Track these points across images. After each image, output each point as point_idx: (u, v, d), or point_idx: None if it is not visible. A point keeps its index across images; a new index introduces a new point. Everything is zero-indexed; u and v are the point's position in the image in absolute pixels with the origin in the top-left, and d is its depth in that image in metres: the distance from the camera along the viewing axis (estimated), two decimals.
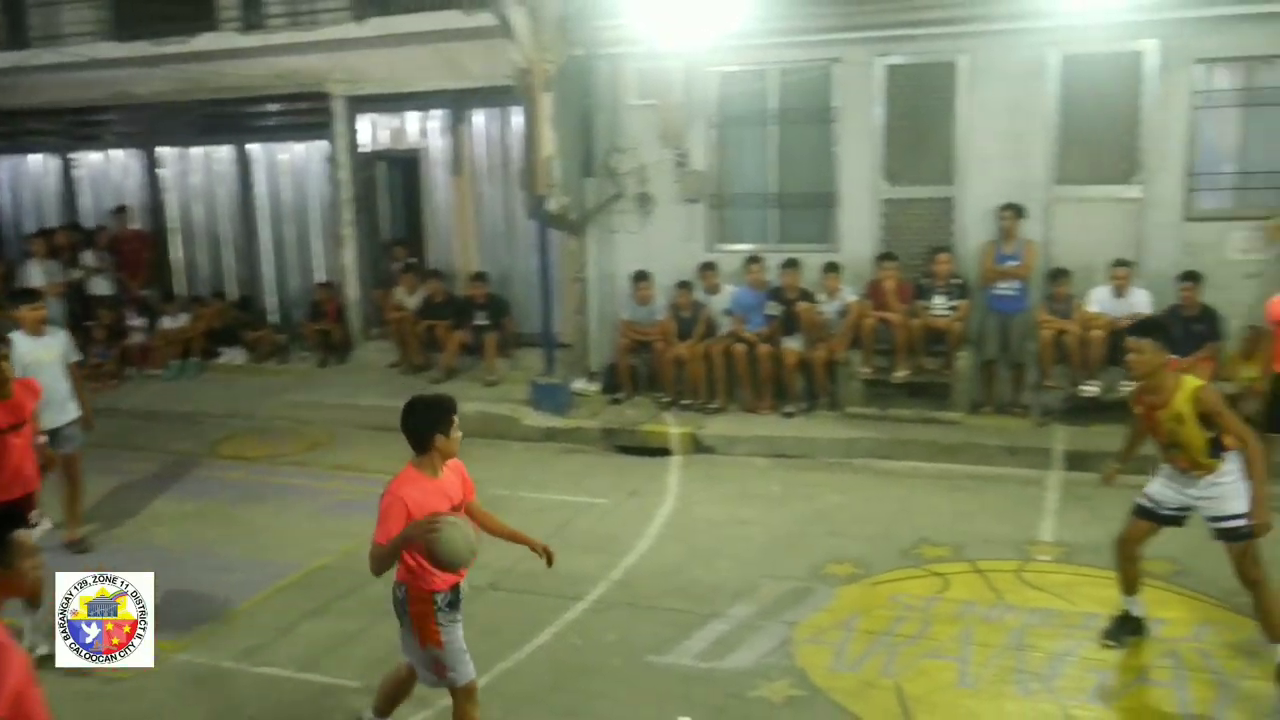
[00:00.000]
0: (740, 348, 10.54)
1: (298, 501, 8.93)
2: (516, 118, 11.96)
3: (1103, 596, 6.34)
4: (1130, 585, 5.87)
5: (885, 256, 10.51)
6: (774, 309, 10.68)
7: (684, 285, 11.02)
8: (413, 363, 12.49)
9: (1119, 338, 9.54)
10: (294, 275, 14.37)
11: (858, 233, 10.90)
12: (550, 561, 4.93)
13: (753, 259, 10.93)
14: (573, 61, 10.89)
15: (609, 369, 11.45)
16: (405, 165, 13.45)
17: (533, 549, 4.91)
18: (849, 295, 10.56)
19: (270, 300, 14.47)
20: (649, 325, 11.12)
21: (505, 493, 8.84)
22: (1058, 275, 10.00)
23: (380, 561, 4.44)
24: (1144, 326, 5.62)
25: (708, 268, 11.12)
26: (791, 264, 10.72)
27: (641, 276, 11.20)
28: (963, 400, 10.13)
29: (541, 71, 10.49)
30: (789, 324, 10.61)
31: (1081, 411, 9.72)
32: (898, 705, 5.38)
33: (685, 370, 10.81)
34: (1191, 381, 5.33)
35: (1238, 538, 5.33)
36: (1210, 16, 9.44)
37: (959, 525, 7.85)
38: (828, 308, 10.59)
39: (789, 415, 10.39)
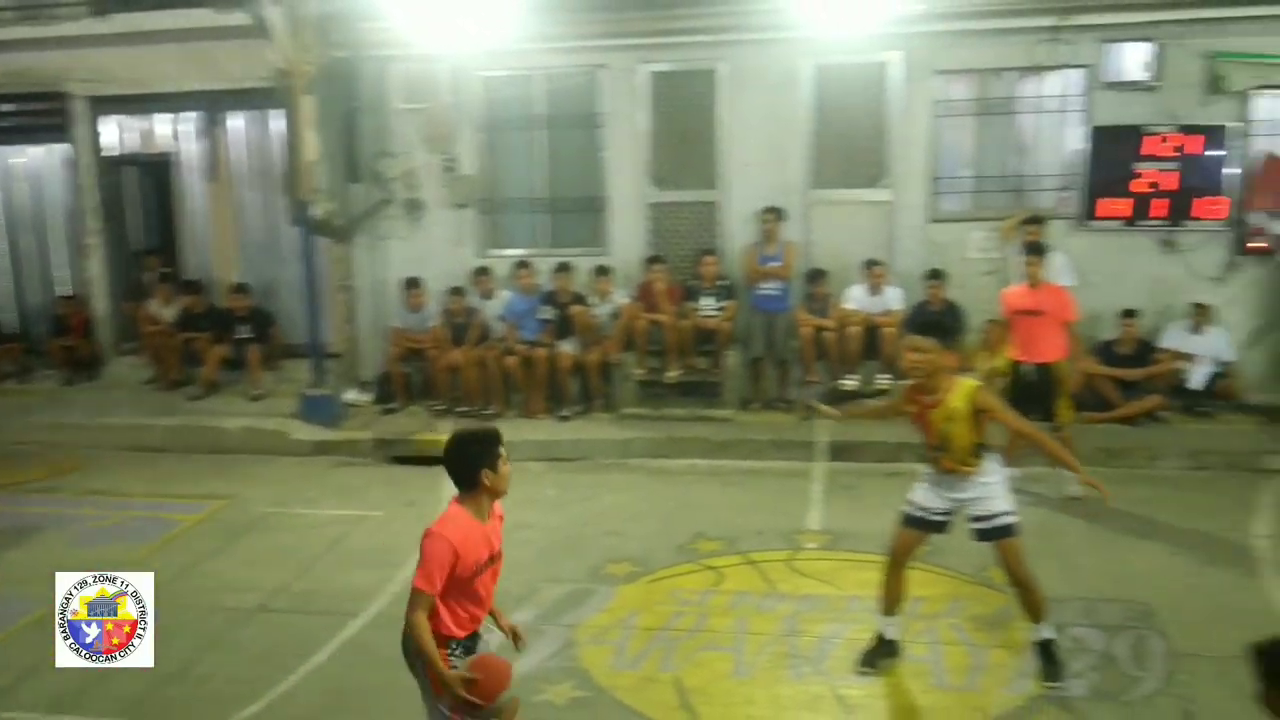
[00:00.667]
0: (513, 361, 10.51)
1: (47, 531, 8.31)
2: (277, 121, 11.54)
3: (866, 579, 6.64)
4: (891, 604, 5.75)
5: (654, 259, 10.73)
6: (547, 313, 10.72)
7: (457, 291, 10.92)
8: (170, 378, 11.85)
9: (874, 334, 10.15)
10: (34, 289, 13.37)
11: (627, 236, 11.10)
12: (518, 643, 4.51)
13: (521, 264, 10.95)
14: (336, 63, 10.64)
15: (381, 378, 11.22)
16: (156, 170, 12.73)
17: (502, 629, 4.50)
18: (620, 298, 10.72)
19: (8, 316, 13.42)
20: (421, 332, 10.96)
21: (275, 510, 8.56)
22: (816, 275, 10.47)
23: (420, 631, 4.01)
24: (924, 325, 5.63)
25: (481, 273, 11.06)
26: (564, 268, 10.80)
27: (412, 283, 11.02)
28: (732, 398, 10.45)
29: (302, 73, 10.19)
30: (563, 328, 10.67)
31: (842, 404, 10.17)
32: (677, 698, 5.51)
33: (460, 377, 10.71)
34: (967, 382, 5.37)
35: (1005, 534, 5.41)
36: (948, 31, 10.10)
37: (732, 519, 8.09)
38: (600, 310, 10.72)
39: (565, 418, 10.45)
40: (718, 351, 10.51)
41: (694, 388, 10.52)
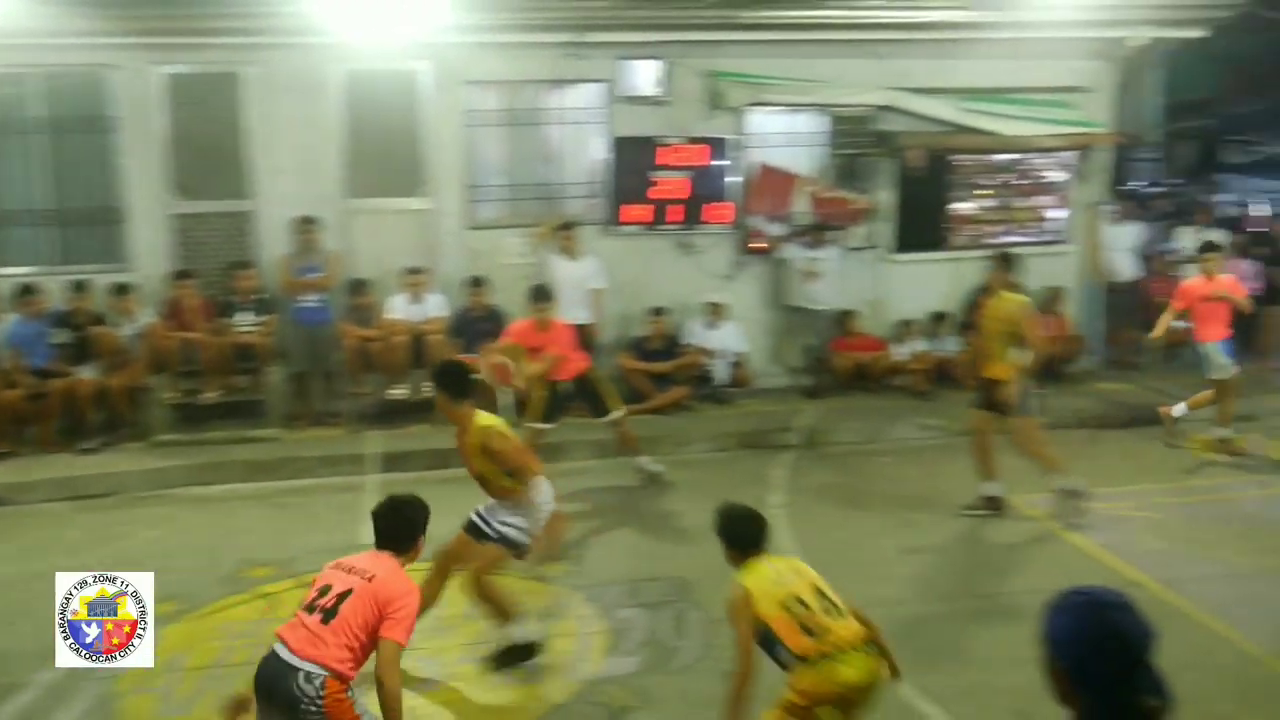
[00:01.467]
0: (15, 394, 9.43)
1: None
2: None
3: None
4: (501, 611, 5.85)
5: (182, 274, 10.09)
6: (61, 336, 9.73)
7: None
8: None
9: (420, 342, 10.19)
10: None
11: (150, 250, 10.34)
12: None
13: (25, 289, 9.82)
14: None
15: None
16: None
17: None
18: (146, 316, 9.97)
19: None
20: None
21: None
22: (358, 285, 10.34)
23: (399, 693, 4.13)
24: (433, 376, 6.05)
25: None
26: (80, 287, 9.86)
27: None
28: (277, 416, 10.09)
29: None
30: (81, 352, 9.73)
31: (392, 414, 10.16)
32: None
33: None
34: (482, 420, 5.61)
35: (491, 540, 5.65)
36: (475, 43, 10.33)
37: (284, 542, 7.79)
38: (124, 331, 9.90)
39: (88, 451, 9.54)
40: (258, 369, 10.09)
41: (235, 408, 10.03)
